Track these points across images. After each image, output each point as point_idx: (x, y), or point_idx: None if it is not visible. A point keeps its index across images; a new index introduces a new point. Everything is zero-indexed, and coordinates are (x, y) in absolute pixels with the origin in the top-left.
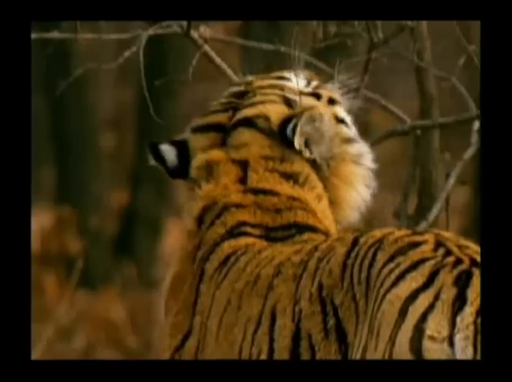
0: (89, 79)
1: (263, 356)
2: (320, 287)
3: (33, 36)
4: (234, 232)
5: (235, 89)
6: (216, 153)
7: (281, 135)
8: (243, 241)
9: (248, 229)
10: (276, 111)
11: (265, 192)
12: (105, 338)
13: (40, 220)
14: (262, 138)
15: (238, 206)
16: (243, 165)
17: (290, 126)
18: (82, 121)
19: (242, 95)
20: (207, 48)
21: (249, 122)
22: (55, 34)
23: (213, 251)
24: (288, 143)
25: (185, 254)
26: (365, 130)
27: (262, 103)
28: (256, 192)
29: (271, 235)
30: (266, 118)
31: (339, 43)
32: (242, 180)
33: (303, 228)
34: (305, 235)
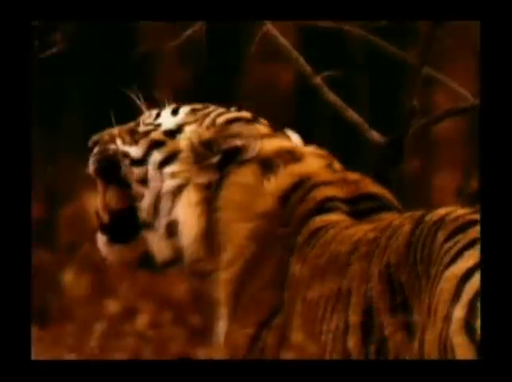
0: (151, 59)
1: (339, 334)
2: (388, 265)
3: None
4: (324, 207)
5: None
6: (297, 144)
7: None
8: (334, 217)
9: (337, 204)
10: None
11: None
12: (168, 317)
13: None
14: None
15: (327, 183)
16: (327, 157)
17: None
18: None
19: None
20: (269, 26)
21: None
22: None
23: (304, 225)
24: None
25: (265, 233)
26: (427, 108)
27: None
28: (343, 170)
29: (357, 207)
30: None
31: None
32: (329, 166)
33: (385, 204)
34: (389, 214)
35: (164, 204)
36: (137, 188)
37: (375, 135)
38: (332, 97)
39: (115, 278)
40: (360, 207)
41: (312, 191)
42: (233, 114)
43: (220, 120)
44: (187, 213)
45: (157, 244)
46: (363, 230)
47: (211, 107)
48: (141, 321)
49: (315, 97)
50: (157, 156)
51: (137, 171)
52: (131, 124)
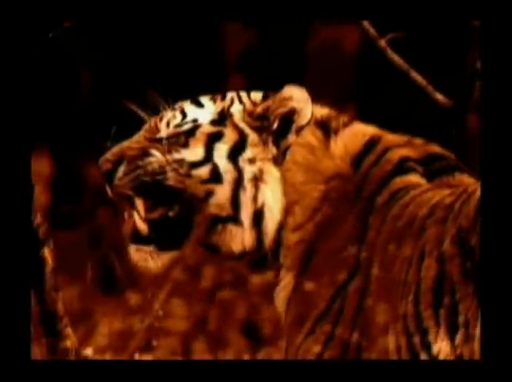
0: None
1: (411, 297)
2: (460, 229)
3: None
4: (402, 168)
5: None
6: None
7: None
8: (413, 178)
9: (412, 165)
10: None
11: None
12: (229, 279)
13: None
14: None
15: (398, 145)
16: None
17: None
18: (208, 64)
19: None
20: None
21: None
22: None
23: (384, 186)
24: None
25: (338, 195)
26: None
27: None
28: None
29: (430, 168)
30: None
31: None
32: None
33: (455, 165)
34: (463, 175)
35: (248, 193)
36: (200, 188)
37: (440, 97)
38: (396, 59)
39: None
40: (432, 167)
41: (385, 153)
42: (259, 92)
43: (256, 97)
44: (274, 193)
45: (242, 235)
46: (441, 194)
47: (231, 92)
48: (204, 284)
49: (379, 59)
50: (222, 148)
51: (199, 172)
52: (145, 134)
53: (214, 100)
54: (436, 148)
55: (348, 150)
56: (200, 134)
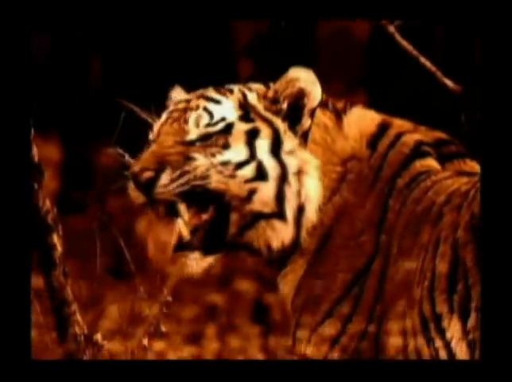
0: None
1: (426, 283)
2: (473, 216)
3: None
4: (419, 151)
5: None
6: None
7: None
8: (432, 163)
9: (427, 148)
10: None
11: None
12: (242, 268)
13: None
14: None
15: (408, 130)
16: None
17: None
18: (218, 49)
19: None
20: None
21: None
22: None
23: (404, 169)
24: None
25: (355, 177)
26: None
27: None
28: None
29: (441, 151)
30: None
31: None
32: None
33: (463, 151)
34: (473, 163)
35: (292, 188)
36: (243, 188)
37: (449, 83)
38: (406, 45)
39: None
40: (441, 151)
41: (400, 137)
42: (259, 83)
43: (259, 86)
44: (314, 181)
45: (284, 231)
46: (460, 182)
47: (234, 85)
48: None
49: (389, 45)
50: (263, 144)
51: (244, 172)
52: (174, 138)
53: (223, 94)
54: (441, 134)
55: (362, 131)
56: (238, 133)
